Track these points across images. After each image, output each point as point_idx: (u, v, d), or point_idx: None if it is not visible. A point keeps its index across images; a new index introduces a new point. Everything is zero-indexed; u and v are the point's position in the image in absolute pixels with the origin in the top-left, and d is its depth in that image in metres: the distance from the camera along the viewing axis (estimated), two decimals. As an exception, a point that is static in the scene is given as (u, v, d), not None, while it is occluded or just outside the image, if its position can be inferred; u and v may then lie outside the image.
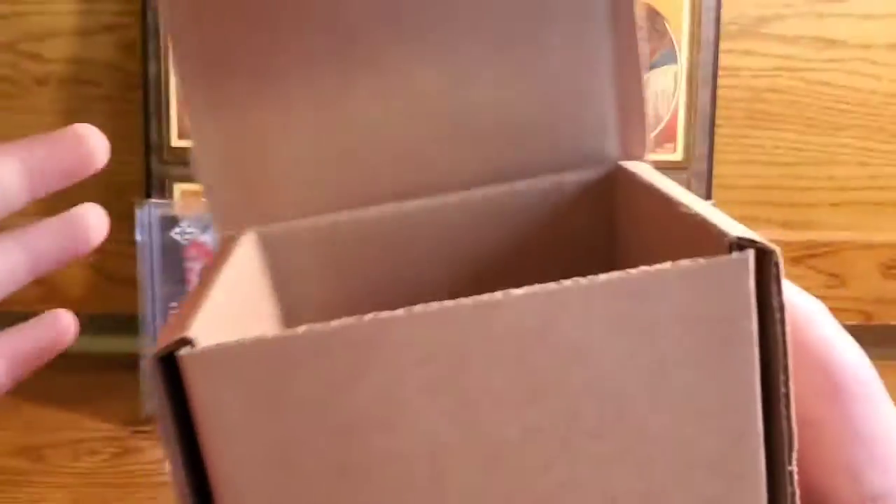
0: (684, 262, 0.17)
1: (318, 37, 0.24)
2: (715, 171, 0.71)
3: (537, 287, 0.17)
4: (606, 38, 0.25)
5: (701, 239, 0.19)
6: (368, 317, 0.16)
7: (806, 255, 0.73)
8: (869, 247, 0.73)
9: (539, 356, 0.17)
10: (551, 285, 0.17)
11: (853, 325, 0.86)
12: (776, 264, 0.17)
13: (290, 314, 0.26)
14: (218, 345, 0.16)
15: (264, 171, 0.25)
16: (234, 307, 0.21)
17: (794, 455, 0.18)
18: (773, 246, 0.17)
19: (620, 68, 0.26)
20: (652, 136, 0.27)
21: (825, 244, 0.73)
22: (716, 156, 0.71)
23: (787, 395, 0.18)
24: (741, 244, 0.17)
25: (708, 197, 0.71)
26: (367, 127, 0.25)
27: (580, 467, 0.18)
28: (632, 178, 0.25)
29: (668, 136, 0.70)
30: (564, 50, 0.25)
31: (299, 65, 0.24)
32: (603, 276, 0.17)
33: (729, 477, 0.18)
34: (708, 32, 0.70)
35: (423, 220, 0.26)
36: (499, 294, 0.16)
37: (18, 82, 0.65)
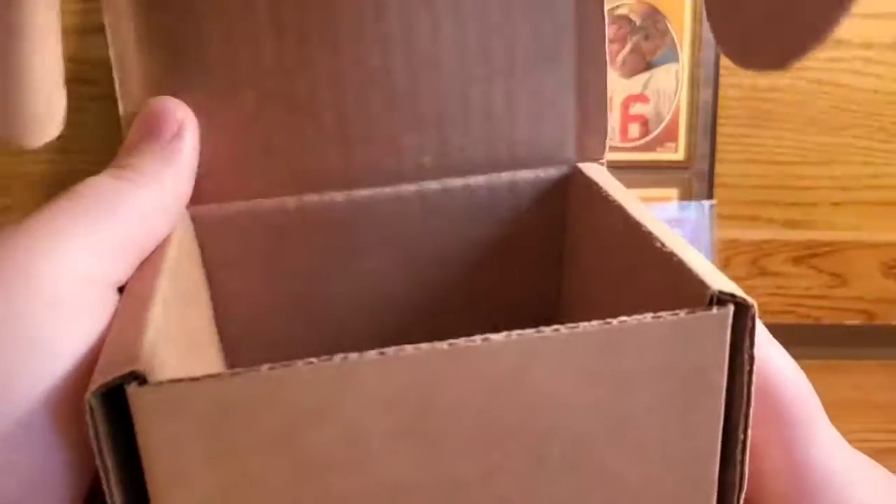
0: (665, 316, 0.17)
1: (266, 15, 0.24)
2: (716, 171, 0.71)
3: (514, 335, 0.16)
4: (569, 34, 0.25)
5: (676, 282, 0.19)
6: (337, 358, 0.16)
7: (807, 255, 0.73)
8: (871, 246, 0.73)
9: (508, 402, 0.17)
10: (529, 333, 0.16)
11: (855, 325, 0.85)
12: (752, 317, 0.17)
13: (219, 308, 0.25)
14: (172, 382, 0.15)
15: (206, 149, 0.24)
16: (176, 315, 0.20)
17: (742, 497, 0.19)
18: (751, 300, 0.17)
19: (583, 67, 0.25)
20: (608, 140, 0.27)
21: (827, 244, 0.73)
22: (717, 155, 0.71)
23: (744, 443, 0.18)
24: (721, 299, 0.17)
25: (709, 196, 0.71)
26: (317, 110, 0.24)
27: None
28: (588, 184, 0.25)
29: (669, 136, 0.70)
30: (526, 44, 0.25)
31: (246, 44, 0.24)
32: (581, 327, 0.17)
33: None
34: (709, 31, 0.69)
35: (375, 210, 0.25)
36: (476, 339, 0.16)
37: (19, 82, 0.65)
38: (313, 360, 0.16)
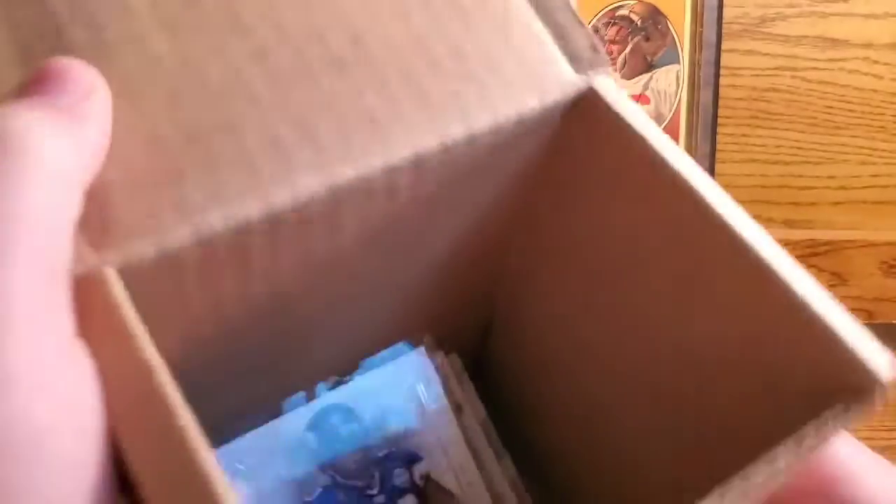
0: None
1: None
2: (717, 171, 0.71)
3: None
4: None
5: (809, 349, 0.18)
6: None
7: (808, 254, 0.73)
8: (871, 245, 0.73)
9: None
10: None
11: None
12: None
13: None
14: None
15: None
16: None
17: None
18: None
19: None
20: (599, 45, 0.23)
21: (827, 243, 0.73)
22: (718, 155, 0.71)
23: None
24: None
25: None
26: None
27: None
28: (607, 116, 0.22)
29: (670, 136, 0.70)
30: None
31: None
32: None
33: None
34: (710, 32, 0.70)
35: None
36: None
37: (23, 83, 0.66)
38: None
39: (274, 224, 0.18)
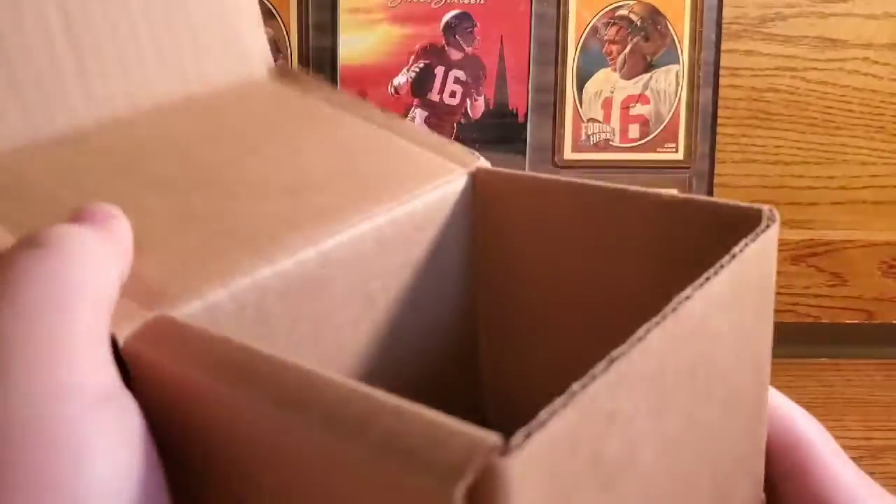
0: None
1: None
2: (716, 171, 0.71)
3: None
4: None
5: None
6: None
7: (807, 254, 0.73)
8: (870, 245, 0.73)
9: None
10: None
11: (854, 324, 0.85)
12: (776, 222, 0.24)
13: None
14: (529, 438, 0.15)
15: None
16: None
17: None
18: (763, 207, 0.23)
19: None
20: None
21: (826, 243, 0.73)
22: (717, 155, 0.71)
23: None
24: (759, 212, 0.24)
25: (709, 196, 0.71)
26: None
27: None
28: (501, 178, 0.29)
29: (669, 136, 0.70)
30: None
31: None
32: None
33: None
34: (710, 32, 0.70)
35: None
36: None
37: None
38: None
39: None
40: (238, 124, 0.30)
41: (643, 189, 0.26)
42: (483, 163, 0.30)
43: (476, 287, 0.31)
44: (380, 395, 0.16)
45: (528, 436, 0.14)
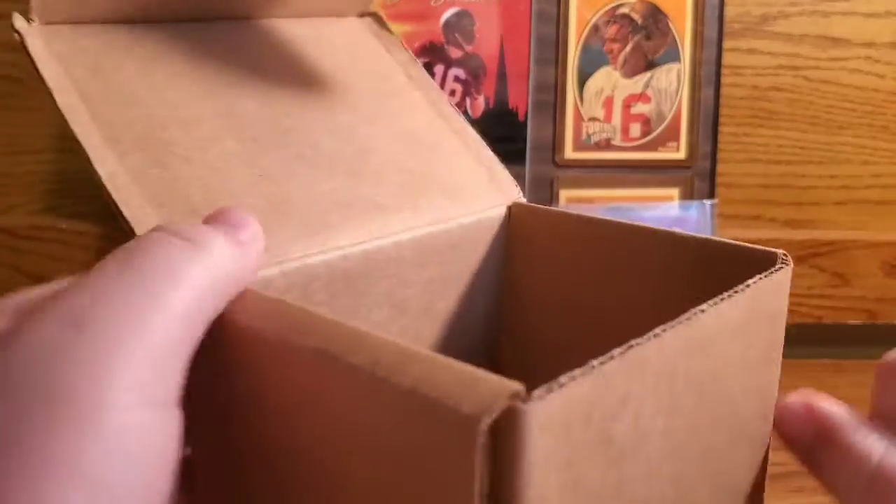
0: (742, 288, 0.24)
1: None
2: (718, 170, 0.71)
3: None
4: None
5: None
6: None
7: (810, 254, 0.72)
8: (873, 245, 0.73)
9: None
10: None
11: (857, 325, 0.85)
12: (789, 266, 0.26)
13: None
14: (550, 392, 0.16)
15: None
16: None
17: None
18: (781, 252, 0.26)
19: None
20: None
21: (829, 243, 0.73)
22: (719, 154, 0.71)
23: None
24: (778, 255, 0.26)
25: (711, 195, 0.71)
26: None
27: None
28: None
29: (671, 135, 0.70)
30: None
31: None
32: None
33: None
34: (711, 30, 0.69)
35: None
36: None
37: (19, 82, 0.65)
38: None
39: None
40: (323, 67, 0.32)
41: (662, 229, 0.28)
42: (520, 198, 0.32)
43: (502, 313, 0.33)
44: (417, 348, 0.17)
45: (549, 391, 0.16)
